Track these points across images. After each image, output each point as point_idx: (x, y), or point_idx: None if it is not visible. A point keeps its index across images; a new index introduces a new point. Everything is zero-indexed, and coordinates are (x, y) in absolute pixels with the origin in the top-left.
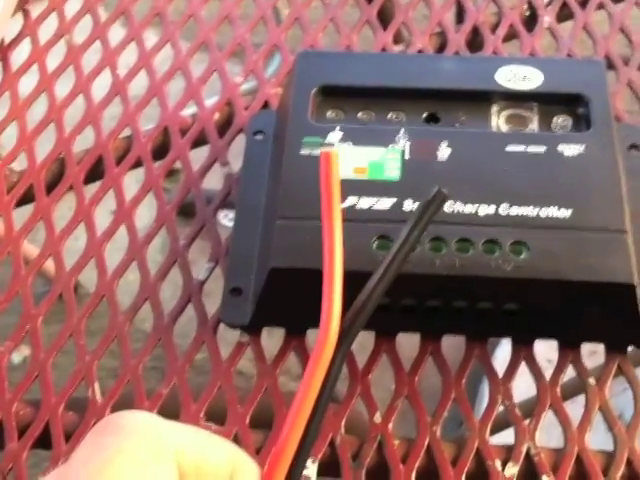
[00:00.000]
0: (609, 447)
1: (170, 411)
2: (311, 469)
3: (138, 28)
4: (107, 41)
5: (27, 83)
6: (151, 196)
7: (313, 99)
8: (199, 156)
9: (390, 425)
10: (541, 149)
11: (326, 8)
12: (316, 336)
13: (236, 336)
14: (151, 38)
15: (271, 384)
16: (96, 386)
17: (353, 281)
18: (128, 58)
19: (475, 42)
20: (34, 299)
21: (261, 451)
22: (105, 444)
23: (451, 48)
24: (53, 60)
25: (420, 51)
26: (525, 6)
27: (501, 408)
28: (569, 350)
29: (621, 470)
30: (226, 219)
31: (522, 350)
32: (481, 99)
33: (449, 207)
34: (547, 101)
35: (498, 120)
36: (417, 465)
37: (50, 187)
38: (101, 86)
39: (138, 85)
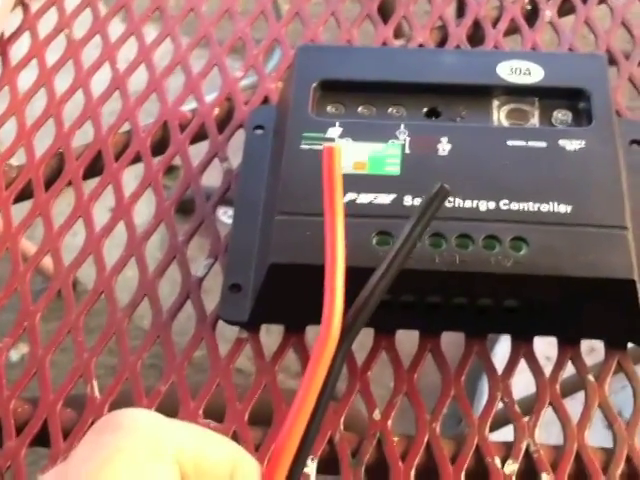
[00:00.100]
0: (608, 444)
1: (169, 408)
2: (310, 467)
3: (138, 23)
4: (107, 36)
5: (26, 78)
6: (150, 192)
7: (313, 94)
8: (199, 151)
9: (389, 422)
10: (542, 144)
11: (327, 2)
12: (315, 333)
13: (235, 333)
14: (151, 33)
15: (270, 381)
16: (94, 383)
17: (352, 277)
18: (128, 53)
19: (476, 36)
20: (32, 296)
21: (260, 448)
22: (105, 442)
23: (452, 42)
24: (52, 54)
25: (421, 45)
26: (526, 0)
27: (500, 405)
28: (568, 347)
29: (621, 467)
30: (225, 216)
31: (522, 347)
32: (482, 94)
33: (449, 202)
34: (548, 96)
35: (499, 115)
36: (416, 462)
37: (49, 183)
38: (100, 81)
39: (138, 80)
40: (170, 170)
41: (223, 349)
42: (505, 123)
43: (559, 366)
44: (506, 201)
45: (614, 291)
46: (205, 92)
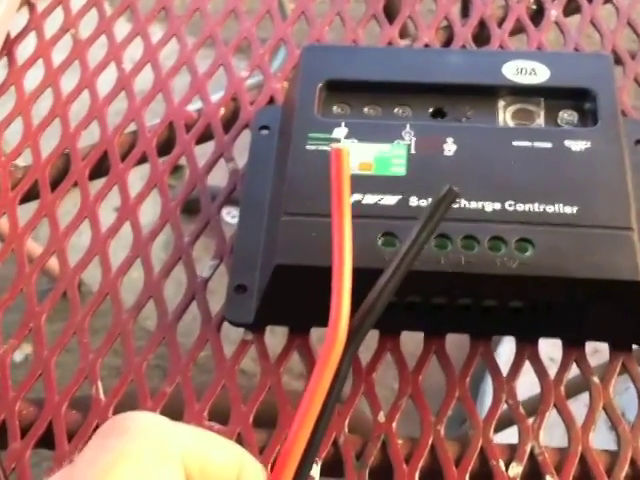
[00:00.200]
0: (611, 445)
1: (173, 410)
2: (314, 469)
3: (144, 22)
4: (113, 36)
5: (32, 78)
6: (155, 192)
7: (319, 94)
8: (204, 152)
9: (394, 424)
10: (547, 144)
11: (332, 2)
12: (319, 335)
13: (239, 334)
14: (157, 33)
15: (275, 383)
16: (99, 385)
17: (358, 278)
18: (134, 53)
19: (481, 36)
20: (37, 296)
21: (264, 450)
22: (110, 446)
23: (458, 42)
24: (58, 54)
25: (426, 45)
26: (532, 0)
27: (504, 407)
28: (573, 349)
29: (625, 470)
30: (229, 216)
31: (526, 349)
32: (488, 94)
33: (455, 203)
34: (554, 96)
35: (505, 115)
36: (421, 465)
37: (55, 183)
38: (106, 81)
39: (143, 80)
40: (175, 169)
41: (228, 350)
42: (511, 123)
43: (564, 368)
44: (512, 202)
45: (620, 292)
46: (210, 91)
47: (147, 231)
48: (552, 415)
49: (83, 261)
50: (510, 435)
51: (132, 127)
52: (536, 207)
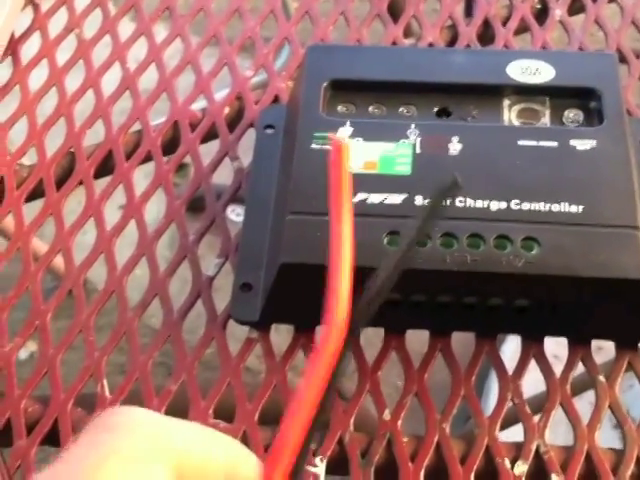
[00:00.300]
0: (615, 443)
1: (179, 407)
2: (320, 467)
3: (148, 22)
4: (117, 35)
5: (37, 77)
6: (159, 190)
7: (324, 93)
8: (209, 150)
9: (399, 422)
10: (553, 144)
11: (336, 2)
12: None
13: (245, 332)
14: (161, 32)
15: (280, 381)
16: (105, 383)
17: (363, 277)
18: (138, 52)
19: (486, 35)
20: (42, 294)
21: (270, 448)
22: (100, 442)
23: (462, 41)
24: (63, 54)
25: (431, 44)
26: None
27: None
28: (579, 347)
29: (631, 468)
30: (234, 214)
31: (532, 347)
32: (493, 93)
33: (460, 202)
34: (559, 95)
35: (510, 114)
36: (426, 463)
37: (60, 182)
38: (111, 80)
39: (148, 79)
40: (180, 167)
41: (233, 348)
42: (516, 123)
43: (569, 366)
44: (517, 201)
45: (625, 291)
46: (215, 89)
47: (152, 229)
48: (557, 413)
49: (88, 260)
50: (516, 433)
51: (137, 126)
52: (542, 206)
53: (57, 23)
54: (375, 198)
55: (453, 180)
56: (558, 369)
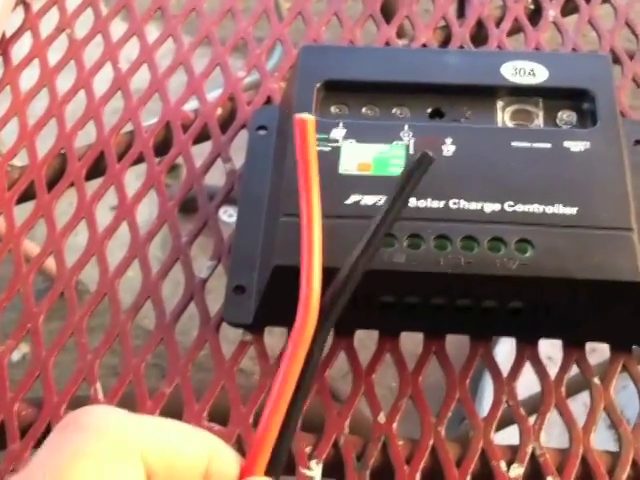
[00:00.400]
0: (610, 444)
1: (173, 410)
2: (315, 470)
3: (140, 22)
4: (108, 35)
5: (28, 77)
6: (151, 191)
7: (317, 94)
8: (201, 151)
9: (394, 425)
10: (546, 145)
11: (329, 2)
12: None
13: (238, 334)
14: (153, 32)
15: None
16: (98, 386)
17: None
18: (130, 52)
19: (479, 36)
20: (34, 296)
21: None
22: (65, 445)
23: (455, 42)
24: (54, 54)
25: (424, 45)
26: (530, 0)
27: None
28: (573, 349)
29: (626, 471)
30: (226, 215)
31: (526, 349)
32: (486, 94)
33: (454, 204)
34: (552, 96)
35: (503, 115)
36: (422, 466)
37: (51, 183)
38: (102, 81)
39: (140, 79)
40: (172, 168)
41: (226, 349)
42: (509, 124)
43: (564, 368)
44: (511, 203)
45: (619, 293)
46: (207, 89)
47: (144, 230)
48: (550, 415)
49: (80, 262)
50: (511, 435)
51: (129, 127)
52: (535, 208)
53: (48, 23)
54: (369, 200)
55: (423, 155)
56: (552, 371)
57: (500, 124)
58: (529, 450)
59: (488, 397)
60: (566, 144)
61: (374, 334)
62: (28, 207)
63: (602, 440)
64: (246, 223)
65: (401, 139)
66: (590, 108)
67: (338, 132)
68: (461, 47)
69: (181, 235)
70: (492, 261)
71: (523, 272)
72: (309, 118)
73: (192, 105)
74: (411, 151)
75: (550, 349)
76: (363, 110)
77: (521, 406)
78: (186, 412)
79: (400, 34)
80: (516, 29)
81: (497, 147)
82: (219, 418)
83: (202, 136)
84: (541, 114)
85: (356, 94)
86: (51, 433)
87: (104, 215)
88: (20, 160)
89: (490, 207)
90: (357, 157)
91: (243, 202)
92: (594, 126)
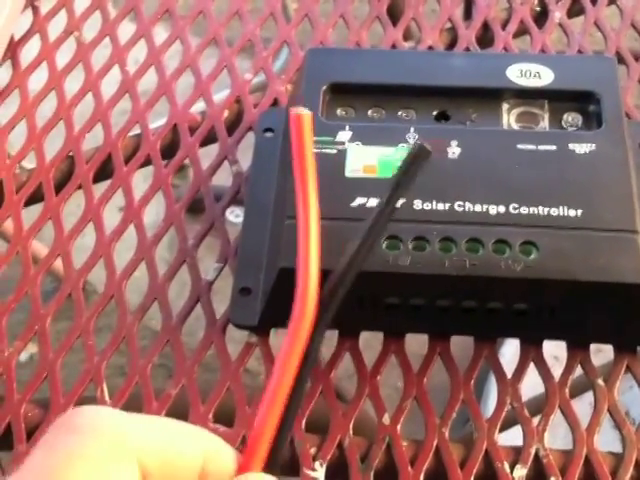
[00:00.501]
0: (615, 444)
1: (178, 411)
2: (319, 471)
3: (147, 24)
4: (116, 38)
5: (36, 80)
6: (158, 193)
7: (323, 97)
8: (208, 152)
9: (399, 426)
10: (552, 147)
11: (335, 4)
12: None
13: (244, 335)
14: (161, 34)
15: None
16: (104, 387)
17: (362, 281)
18: (137, 55)
19: (485, 38)
20: (42, 296)
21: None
22: (60, 446)
23: (461, 44)
24: (62, 57)
25: (430, 47)
26: (536, 1)
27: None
28: (578, 350)
29: (630, 472)
30: (232, 215)
31: (531, 351)
32: (492, 97)
33: (459, 206)
34: (558, 98)
35: (509, 118)
36: (425, 467)
37: (59, 186)
38: (110, 83)
39: (147, 80)
40: (180, 169)
41: (232, 350)
42: (515, 126)
43: (568, 370)
44: (516, 205)
45: (624, 295)
46: (214, 90)
47: (151, 232)
48: (555, 415)
49: (87, 264)
50: (515, 436)
51: (136, 130)
52: (540, 210)
53: (57, 26)
54: (374, 202)
55: (419, 146)
56: (558, 371)
57: (506, 126)
58: (533, 451)
59: (493, 398)
60: (571, 146)
61: (379, 334)
62: (36, 209)
63: (608, 440)
64: (252, 225)
65: (407, 142)
66: (595, 110)
67: (344, 135)
68: (467, 49)
69: (188, 238)
70: (497, 263)
71: (528, 274)
72: (304, 112)
73: (199, 107)
74: None
75: (556, 349)
76: (369, 113)
77: (525, 407)
78: (192, 413)
79: (406, 36)
80: (522, 31)
81: (502, 149)
82: (225, 419)
83: (209, 138)
84: (547, 116)
85: (362, 97)
86: (45, 433)
87: (112, 217)
88: (29, 162)
89: (495, 209)
90: (363, 160)
91: (250, 204)
92: (599, 128)
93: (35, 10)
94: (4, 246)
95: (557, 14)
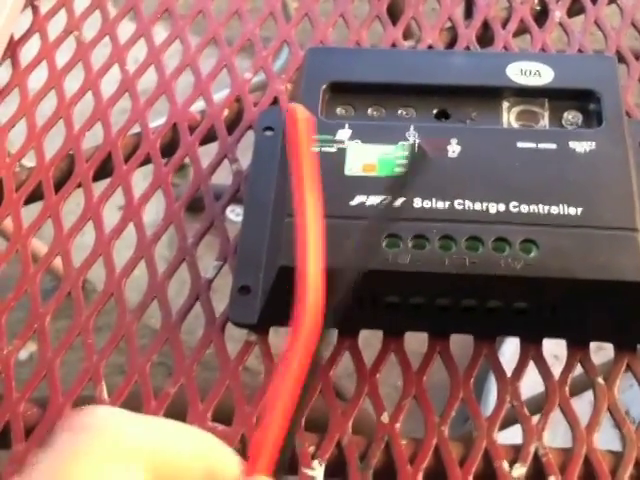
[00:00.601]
0: (615, 442)
1: (177, 410)
2: (318, 470)
3: (147, 24)
4: (116, 37)
5: (36, 79)
6: (158, 191)
7: (323, 95)
8: (208, 151)
9: (398, 425)
10: (552, 146)
11: (335, 3)
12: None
13: (244, 333)
14: (160, 33)
15: None
16: (103, 386)
17: (363, 279)
18: (137, 54)
19: (485, 37)
20: (41, 295)
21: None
22: (72, 444)
23: (461, 43)
24: (62, 56)
25: (430, 46)
26: (536, 1)
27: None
28: (578, 349)
29: (629, 470)
30: (233, 214)
31: (531, 349)
32: (492, 95)
33: (459, 205)
34: (558, 97)
35: (509, 116)
36: (425, 465)
37: (59, 184)
38: (110, 82)
39: (147, 79)
40: (180, 168)
41: (231, 348)
42: (515, 125)
43: (568, 368)
44: (516, 203)
45: (624, 293)
46: (214, 90)
47: (150, 230)
48: (555, 413)
49: (87, 262)
50: (514, 434)
51: (136, 128)
52: (540, 208)
53: (56, 25)
54: (374, 200)
55: (418, 151)
56: (558, 369)
57: (506, 125)
58: (532, 450)
59: (493, 397)
60: (571, 145)
61: (379, 332)
62: (36, 208)
63: (608, 438)
64: (252, 224)
65: (407, 140)
66: (596, 109)
67: (344, 133)
68: (467, 48)
69: (187, 236)
70: (497, 261)
71: (528, 272)
72: (301, 108)
73: (199, 106)
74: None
75: (556, 347)
76: (369, 111)
77: (525, 406)
78: (190, 412)
79: (406, 35)
80: (522, 30)
81: (502, 148)
82: (223, 418)
83: (209, 137)
84: (547, 115)
85: (362, 95)
86: (53, 434)
87: (111, 215)
88: (29, 161)
89: (495, 207)
90: (362, 158)
91: (249, 203)
92: (599, 127)
93: (35, 9)
94: (4, 244)
95: (557, 13)
